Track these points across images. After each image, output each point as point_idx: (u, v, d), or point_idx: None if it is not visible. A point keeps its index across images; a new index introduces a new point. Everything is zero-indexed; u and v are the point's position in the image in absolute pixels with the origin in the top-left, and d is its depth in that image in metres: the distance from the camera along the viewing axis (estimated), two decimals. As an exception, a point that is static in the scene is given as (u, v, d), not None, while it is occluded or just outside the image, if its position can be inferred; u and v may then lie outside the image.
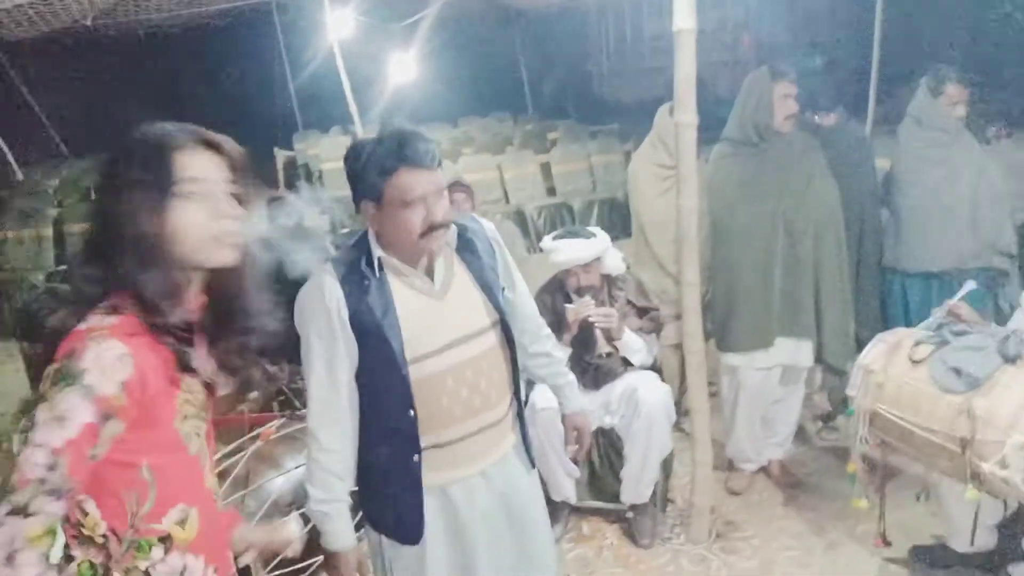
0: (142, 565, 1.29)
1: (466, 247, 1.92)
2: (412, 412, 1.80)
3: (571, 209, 7.94)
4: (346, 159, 1.80)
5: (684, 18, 2.55)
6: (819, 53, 11.57)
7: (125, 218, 1.27)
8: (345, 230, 5.18)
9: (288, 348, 4.02)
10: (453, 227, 1.87)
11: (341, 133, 10.74)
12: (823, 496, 3.40)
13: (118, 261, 1.27)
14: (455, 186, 4.54)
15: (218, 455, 2.12)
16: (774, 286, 3.22)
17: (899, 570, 2.93)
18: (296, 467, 2.14)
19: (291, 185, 11.78)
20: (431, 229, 1.76)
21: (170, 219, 1.29)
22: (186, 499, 1.35)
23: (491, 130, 11.15)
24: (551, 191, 8.32)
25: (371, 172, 1.74)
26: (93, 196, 1.18)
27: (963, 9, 8.25)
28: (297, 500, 2.10)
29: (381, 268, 1.81)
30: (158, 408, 1.29)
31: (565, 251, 3.13)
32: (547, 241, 3.27)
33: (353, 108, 8.60)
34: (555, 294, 3.27)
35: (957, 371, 2.33)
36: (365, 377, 1.81)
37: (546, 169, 8.43)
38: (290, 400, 2.68)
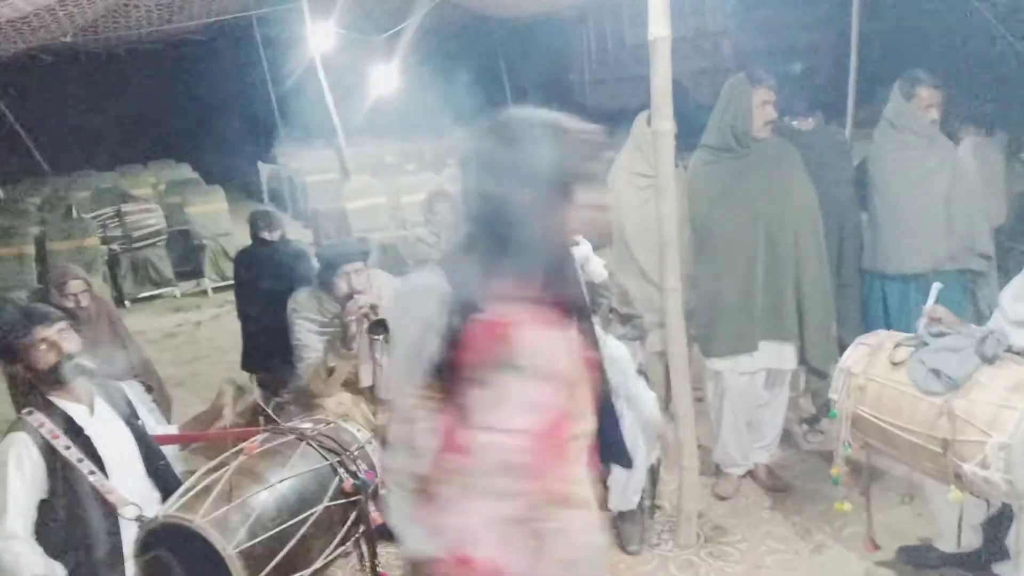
0: (551, 525, 1.39)
1: None
2: None
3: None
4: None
5: (659, 27, 2.57)
6: (798, 59, 11.69)
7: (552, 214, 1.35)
8: (329, 241, 5.20)
9: (272, 361, 3.96)
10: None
11: (324, 146, 10.74)
12: (809, 499, 3.41)
13: (537, 253, 1.35)
14: (439, 196, 4.56)
15: (201, 470, 2.12)
16: (756, 291, 3.24)
17: (886, 572, 2.94)
18: (280, 481, 2.14)
19: (275, 198, 11.78)
20: None
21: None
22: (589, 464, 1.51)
23: (475, 140, 11.17)
24: (536, 200, 8.36)
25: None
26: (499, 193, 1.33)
27: (940, 14, 8.35)
28: (280, 515, 2.09)
29: None
30: (578, 387, 1.44)
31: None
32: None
33: (336, 120, 8.61)
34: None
35: (936, 372, 2.35)
36: None
37: (530, 178, 8.46)
38: (271, 416, 2.66)
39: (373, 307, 3.25)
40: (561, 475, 1.42)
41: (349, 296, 3.28)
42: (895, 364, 2.48)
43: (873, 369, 2.54)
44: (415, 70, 9.43)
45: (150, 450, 2.40)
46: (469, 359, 1.31)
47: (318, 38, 8.33)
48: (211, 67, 13.61)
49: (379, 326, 3.26)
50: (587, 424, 1.47)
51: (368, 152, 10.41)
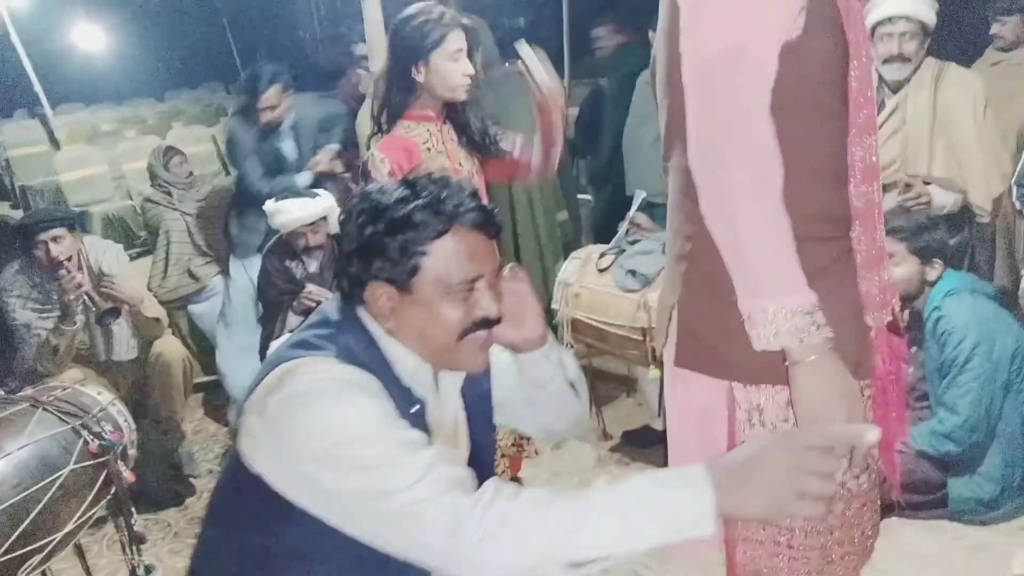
0: None
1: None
2: None
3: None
4: (359, 214, 1.23)
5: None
6: (521, 12, 12.32)
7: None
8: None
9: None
10: None
11: (27, 116, 9.68)
12: None
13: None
14: (171, 150, 4.38)
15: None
16: None
17: (616, 455, 3.38)
18: (18, 448, 2.06)
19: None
20: (477, 327, 1.24)
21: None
22: None
23: (202, 101, 10.64)
24: (274, 160, 8.16)
25: (407, 233, 1.19)
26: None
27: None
28: (23, 482, 2.03)
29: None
30: None
31: (288, 211, 3.16)
32: (269, 204, 3.29)
33: (38, 87, 7.80)
34: (284, 258, 3.30)
35: (633, 272, 2.75)
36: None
37: (266, 138, 8.24)
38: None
39: (105, 280, 3.12)
40: None
41: (52, 267, 3.11)
42: (601, 271, 2.86)
43: (584, 278, 2.91)
44: (128, 29, 8.78)
45: None
46: None
47: (4, -6, 7.46)
48: None
49: (108, 315, 3.14)
50: None
51: (80, 119, 9.54)
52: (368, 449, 1.08)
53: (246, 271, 3.73)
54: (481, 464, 1.35)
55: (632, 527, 0.99)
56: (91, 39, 8.03)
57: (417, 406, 1.23)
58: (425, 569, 1.14)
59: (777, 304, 1.10)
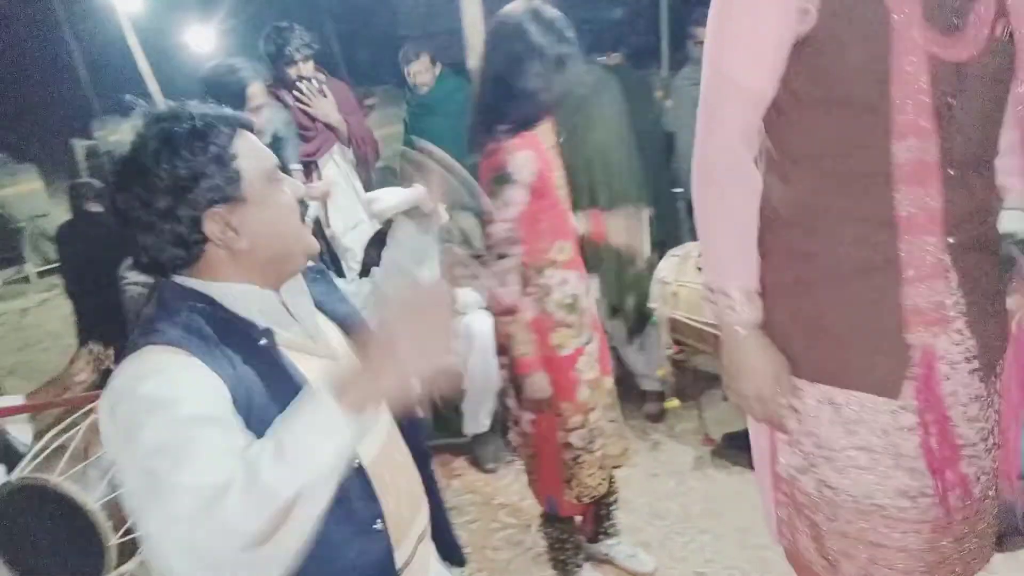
0: (542, 280, 2.15)
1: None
2: (381, 523, 1.23)
3: (394, 172, 7.99)
4: (155, 155, 1.17)
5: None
6: (618, 4, 12.20)
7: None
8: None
9: (112, 334, 3.87)
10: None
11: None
12: (641, 404, 3.70)
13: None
14: None
15: (53, 431, 2.10)
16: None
17: (715, 458, 3.30)
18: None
19: (96, 175, 11.06)
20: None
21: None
22: (562, 237, 2.18)
23: (305, 99, 10.91)
24: (373, 156, 8.32)
25: (210, 141, 1.19)
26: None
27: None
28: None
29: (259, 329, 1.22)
30: (548, 185, 2.11)
31: (384, 199, 3.20)
32: (365, 195, 3.36)
33: (154, 87, 8.17)
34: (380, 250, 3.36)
35: (735, 271, 2.66)
36: None
37: (366, 134, 8.40)
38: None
39: None
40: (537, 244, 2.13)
41: None
42: (700, 269, 2.78)
43: (683, 276, 2.84)
44: (237, 30, 9.09)
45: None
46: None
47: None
48: (3, 36, 12.48)
49: None
50: (551, 212, 2.17)
51: (193, 118, 9.97)
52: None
53: None
54: None
55: (289, 463, 0.98)
56: (202, 40, 8.34)
57: (264, 340, 1.20)
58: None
59: (723, 283, 1.34)
